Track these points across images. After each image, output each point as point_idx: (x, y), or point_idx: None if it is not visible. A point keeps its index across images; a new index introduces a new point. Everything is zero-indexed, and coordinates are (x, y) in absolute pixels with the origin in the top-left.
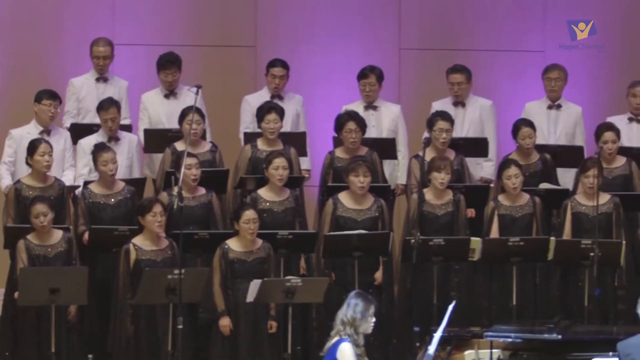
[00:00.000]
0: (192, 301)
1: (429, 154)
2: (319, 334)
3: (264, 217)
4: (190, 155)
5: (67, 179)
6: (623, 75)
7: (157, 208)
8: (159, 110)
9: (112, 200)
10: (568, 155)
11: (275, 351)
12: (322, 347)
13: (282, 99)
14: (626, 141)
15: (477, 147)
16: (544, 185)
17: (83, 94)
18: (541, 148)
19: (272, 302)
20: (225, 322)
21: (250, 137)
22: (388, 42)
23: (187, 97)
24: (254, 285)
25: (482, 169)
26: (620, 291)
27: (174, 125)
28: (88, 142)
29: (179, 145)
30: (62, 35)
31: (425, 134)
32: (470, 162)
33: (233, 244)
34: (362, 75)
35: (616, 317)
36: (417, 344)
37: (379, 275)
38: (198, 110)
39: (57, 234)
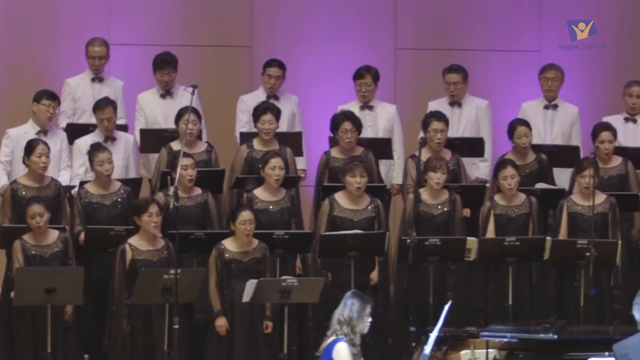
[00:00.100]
0: (188, 301)
1: (425, 154)
2: (315, 334)
3: (260, 217)
4: (186, 155)
5: (63, 179)
6: (619, 75)
7: (153, 208)
8: (155, 110)
9: (108, 200)
10: (564, 155)
11: (271, 351)
12: (318, 347)
13: (278, 99)
14: (622, 141)
15: (473, 147)
16: (540, 185)
17: (79, 94)
18: (537, 148)
19: (268, 302)
20: (221, 323)
21: (246, 137)
22: (384, 42)
23: (183, 97)
24: (250, 285)
25: (478, 169)
26: (616, 291)
27: (170, 125)
28: (84, 142)
29: (175, 145)
30: (58, 35)
31: (421, 134)
32: (466, 162)
33: (229, 244)
34: (358, 75)
35: (612, 317)
36: (413, 344)
37: (374, 275)
38: (194, 110)
39: (53, 234)
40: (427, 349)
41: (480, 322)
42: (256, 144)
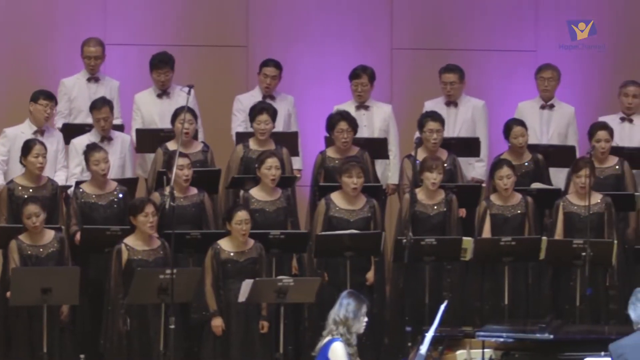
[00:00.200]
0: (184, 301)
1: (421, 154)
2: (311, 333)
3: (256, 216)
4: (182, 155)
5: (59, 180)
6: (615, 75)
7: (149, 208)
8: (151, 110)
9: (104, 200)
10: (560, 155)
11: (267, 351)
12: (314, 347)
13: (274, 99)
14: (618, 141)
15: (468, 147)
16: (536, 185)
17: (74, 94)
18: (533, 148)
19: (263, 302)
20: (217, 323)
21: (242, 137)
22: (380, 41)
23: (180, 96)
24: (246, 285)
25: (474, 169)
26: (612, 291)
27: (167, 125)
28: (80, 142)
29: (171, 145)
30: (54, 36)
31: (417, 134)
32: (462, 162)
33: (225, 244)
34: (354, 75)
35: (608, 317)
36: (409, 344)
37: (370, 275)
38: (190, 110)
39: (49, 234)
40: (423, 348)
41: (476, 322)
42: (252, 143)
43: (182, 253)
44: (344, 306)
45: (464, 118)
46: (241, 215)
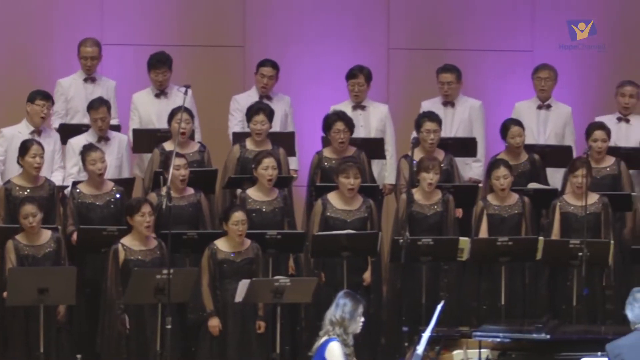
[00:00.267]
0: (181, 301)
1: (418, 154)
2: (308, 334)
3: (253, 217)
4: (178, 155)
5: (56, 180)
6: (612, 75)
7: (146, 208)
8: (149, 110)
9: (101, 200)
10: (557, 155)
11: (263, 351)
12: (310, 347)
13: (270, 99)
14: (615, 141)
15: (465, 147)
16: (533, 185)
17: (71, 94)
18: (529, 148)
19: (260, 302)
20: (214, 323)
21: (239, 137)
22: (377, 42)
23: (178, 97)
24: (243, 285)
25: (471, 169)
26: (609, 291)
27: (165, 125)
28: (78, 142)
29: (168, 146)
30: (51, 36)
31: (414, 134)
32: (459, 162)
33: (221, 244)
34: (351, 75)
35: (604, 317)
36: (406, 344)
37: (367, 275)
38: (187, 110)
39: (46, 234)
40: (420, 349)
41: (473, 322)
42: (249, 144)
43: (179, 253)
44: (340, 307)
45: (461, 118)
46: (238, 216)
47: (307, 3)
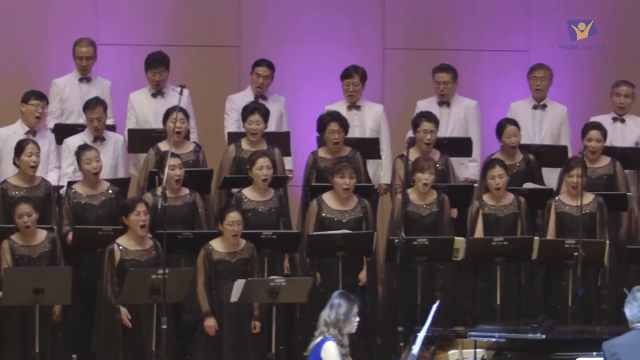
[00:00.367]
0: (176, 301)
1: (413, 154)
2: (303, 334)
3: (249, 216)
4: (173, 155)
5: (52, 180)
6: (608, 75)
7: (141, 207)
8: (146, 109)
9: (97, 200)
10: (552, 155)
11: (259, 351)
12: (306, 347)
13: (266, 99)
14: (610, 141)
15: (461, 147)
16: (528, 185)
17: (66, 94)
18: (525, 148)
19: (255, 302)
20: (210, 323)
21: (234, 137)
22: (372, 41)
23: (174, 96)
24: (238, 285)
25: (467, 169)
26: (604, 291)
27: (161, 124)
28: (73, 142)
29: (163, 146)
30: (46, 36)
31: (409, 134)
32: (455, 162)
33: (217, 244)
34: (346, 75)
35: (600, 317)
36: (401, 344)
37: (362, 275)
38: (182, 110)
39: (42, 234)
40: (415, 349)
41: (469, 322)
42: (244, 144)
43: (174, 253)
44: (334, 308)
45: (456, 118)
46: (233, 216)
47: (302, 3)
